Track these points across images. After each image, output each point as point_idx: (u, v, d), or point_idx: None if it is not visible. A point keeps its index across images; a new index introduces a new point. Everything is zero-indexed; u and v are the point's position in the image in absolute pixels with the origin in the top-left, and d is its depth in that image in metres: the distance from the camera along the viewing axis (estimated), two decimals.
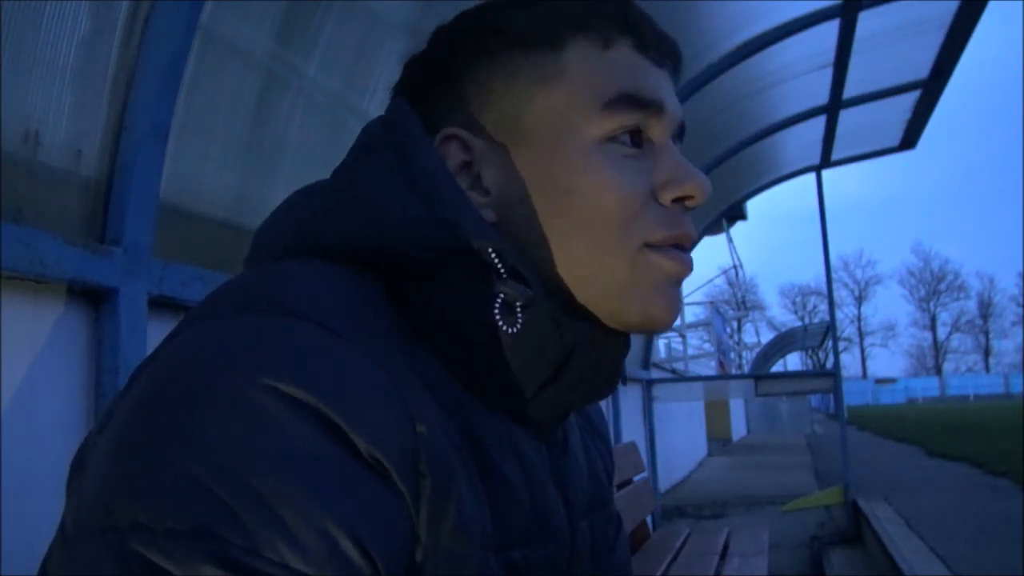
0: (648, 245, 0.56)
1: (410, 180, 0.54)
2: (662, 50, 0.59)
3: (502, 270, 0.52)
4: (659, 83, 0.58)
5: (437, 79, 0.60)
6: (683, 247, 0.58)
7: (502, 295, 0.52)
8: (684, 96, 4.07)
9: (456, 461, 0.48)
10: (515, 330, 0.52)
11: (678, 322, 11.12)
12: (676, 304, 0.58)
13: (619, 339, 0.57)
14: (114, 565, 0.39)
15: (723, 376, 11.44)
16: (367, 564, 0.40)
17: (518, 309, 0.52)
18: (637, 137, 0.57)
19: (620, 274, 0.55)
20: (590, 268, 0.55)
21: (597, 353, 0.56)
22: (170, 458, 0.40)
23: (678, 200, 0.57)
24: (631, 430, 5.63)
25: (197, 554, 0.38)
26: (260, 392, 0.41)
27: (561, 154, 0.56)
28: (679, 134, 0.61)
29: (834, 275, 6.67)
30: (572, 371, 0.55)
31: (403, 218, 0.52)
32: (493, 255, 0.52)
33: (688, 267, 0.58)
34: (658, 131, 0.58)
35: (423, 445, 0.45)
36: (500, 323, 0.52)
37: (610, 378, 0.58)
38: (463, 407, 0.51)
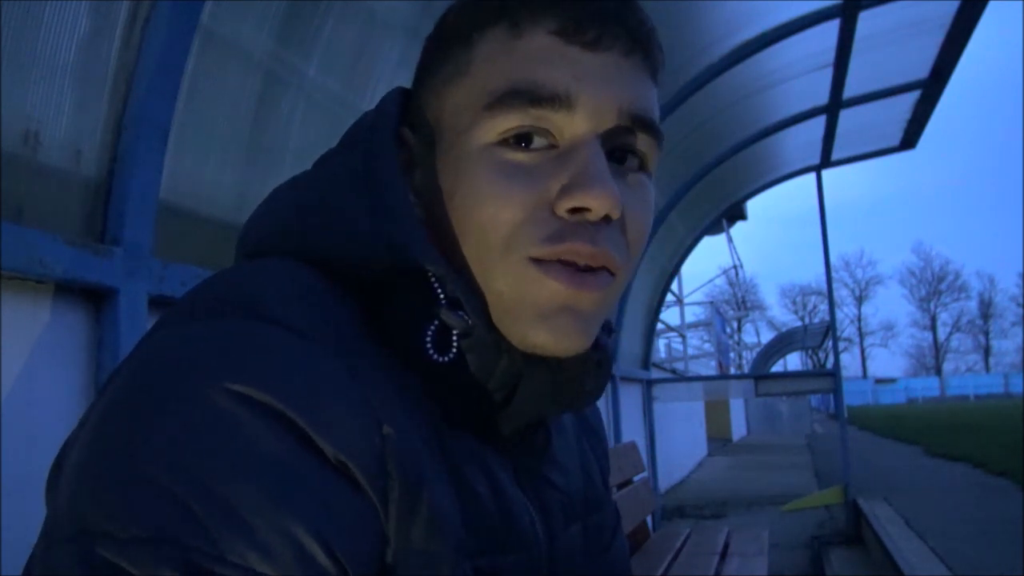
0: (532, 260, 0.49)
1: (369, 188, 0.53)
2: (600, 29, 0.51)
3: (442, 297, 0.50)
4: (580, 72, 0.50)
5: (417, 71, 0.59)
6: (580, 266, 0.50)
7: (438, 322, 0.50)
8: (684, 96, 4.07)
9: (427, 463, 0.47)
10: (447, 359, 0.50)
11: (678, 322, 11.13)
12: (567, 331, 0.50)
13: (577, 358, 0.53)
14: (81, 571, 0.39)
15: (723, 376, 11.43)
16: (334, 567, 0.40)
17: (453, 338, 0.50)
18: (527, 139, 0.50)
19: (500, 289, 0.50)
20: (482, 283, 0.51)
21: (552, 372, 0.52)
22: (134, 465, 0.40)
23: (577, 211, 0.49)
24: (631, 430, 5.63)
25: (161, 560, 0.38)
26: (223, 396, 0.41)
27: (452, 157, 0.52)
28: (632, 128, 0.52)
29: (834, 275, 6.68)
30: (525, 391, 0.52)
31: (353, 230, 0.51)
32: (434, 281, 0.50)
33: (579, 288, 0.49)
34: (572, 128, 0.50)
35: (390, 447, 0.45)
36: (430, 351, 0.50)
37: (576, 395, 0.55)
38: (431, 414, 0.51)
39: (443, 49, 0.55)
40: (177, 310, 0.49)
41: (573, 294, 0.49)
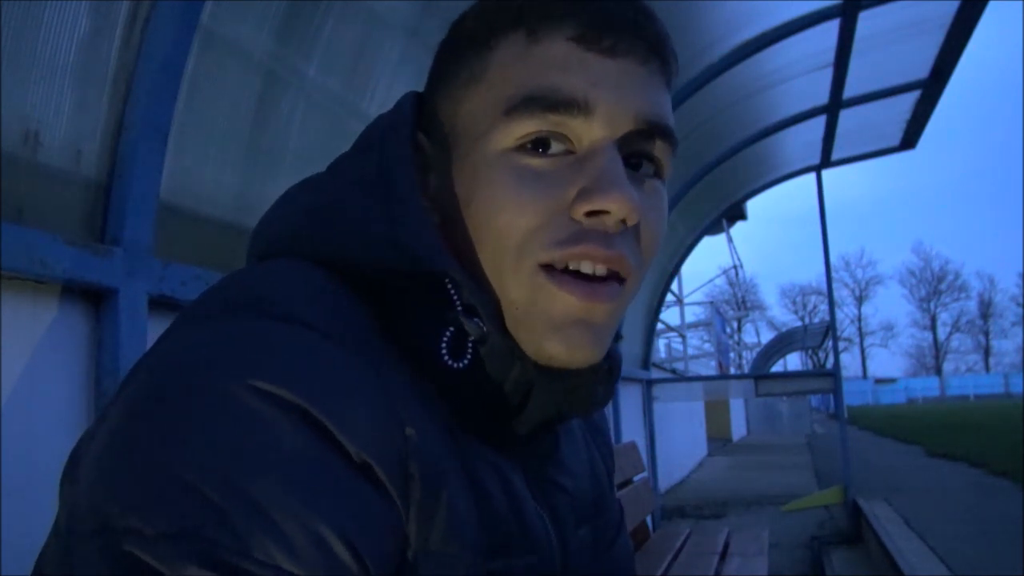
0: (544, 267, 0.50)
1: (384, 193, 0.53)
2: (618, 36, 0.51)
3: (457, 302, 0.50)
4: (597, 78, 0.50)
5: (430, 76, 0.59)
6: (591, 275, 0.50)
7: (453, 328, 0.50)
8: (684, 96, 4.07)
9: (447, 465, 0.48)
10: (462, 365, 0.50)
11: (678, 322, 11.13)
12: (581, 343, 0.50)
13: (589, 367, 0.53)
14: (106, 567, 0.39)
15: (723, 376, 11.43)
16: (357, 564, 0.40)
17: (468, 344, 0.50)
18: (545, 144, 0.51)
19: (514, 298, 0.51)
20: (498, 291, 0.51)
21: (562, 380, 0.53)
22: (159, 461, 0.40)
23: (594, 215, 0.49)
24: (631, 430, 5.63)
25: (187, 556, 0.38)
26: (247, 393, 0.41)
27: (469, 163, 0.52)
28: (649, 134, 0.52)
29: (834, 275, 6.68)
30: (538, 398, 0.53)
31: (367, 235, 0.51)
32: (449, 286, 0.50)
33: (589, 299, 0.49)
34: (590, 134, 0.50)
35: (412, 448, 0.45)
36: (445, 357, 0.50)
37: (586, 402, 0.56)
38: (444, 417, 0.51)
39: (458, 54, 0.55)
40: (193, 311, 0.49)
41: (587, 307, 0.50)
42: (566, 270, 0.50)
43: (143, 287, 1.26)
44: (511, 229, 0.50)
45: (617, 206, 0.48)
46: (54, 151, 1.20)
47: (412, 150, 0.56)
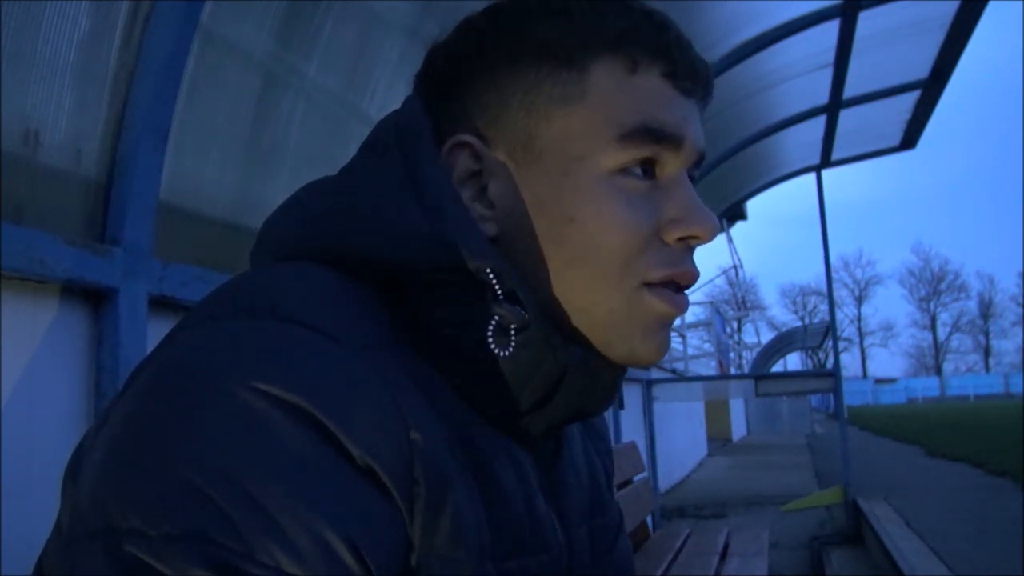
0: (645, 284, 0.55)
1: (414, 191, 0.53)
2: (694, 78, 0.57)
3: (499, 291, 0.52)
4: (684, 115, 0.56)
5: (457, 76, 0.57)
6: (680, 286, 0.57)
7: (497, 317, 0.52)
8: None
9: (453, 469, 0.48)
10: (507, 353, 0.52)
11: (678, 322, 11.13)
12: (664, 344, 0.57)
13: (613, 363, 0.57)
14: (109, 568, 0.39)
15: (723, 376, 11.44)
16: (361, 568, 0.41)
17: (512, 331, 0.52)
18: (649, 167, 0.55)
19: (612, 308, 0.54)
20: (585, 299, 0.55)
21: (590, 376, 0.55)
22: (164, 463, 0.40)
23: (683, 239, 0.55)
24: (631, 430, 5.63)
25: (191, 558, 0.38)
26: (253, 396, 0.42)
27: (570, 181, 0.54)
28: (697, 163, 0.58)
29: (834, 275, 6.67)
30: (564, 392, 0.54)
31: (403, 232, 0.51)
32: (491, 276, 0.51)
33: (681, 309, 0.57)
34: (673, 164, 0.56)
35: (417, 452, 0.45)
36: (492, 345, 0.52)
37: (604, 398, 0.58)
38: (461, 417, 0.51)
39: (538, 67, 0.55)
40: (199, 312, 0.49)
41: (675, 313, 0.56)
42: (659, 283, 0.55)
43: (143, 287, 1.26)
44: (623, 248, 0.54)
45: (708, 233, 0.55)
46: (54, 151, 1.20)
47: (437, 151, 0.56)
